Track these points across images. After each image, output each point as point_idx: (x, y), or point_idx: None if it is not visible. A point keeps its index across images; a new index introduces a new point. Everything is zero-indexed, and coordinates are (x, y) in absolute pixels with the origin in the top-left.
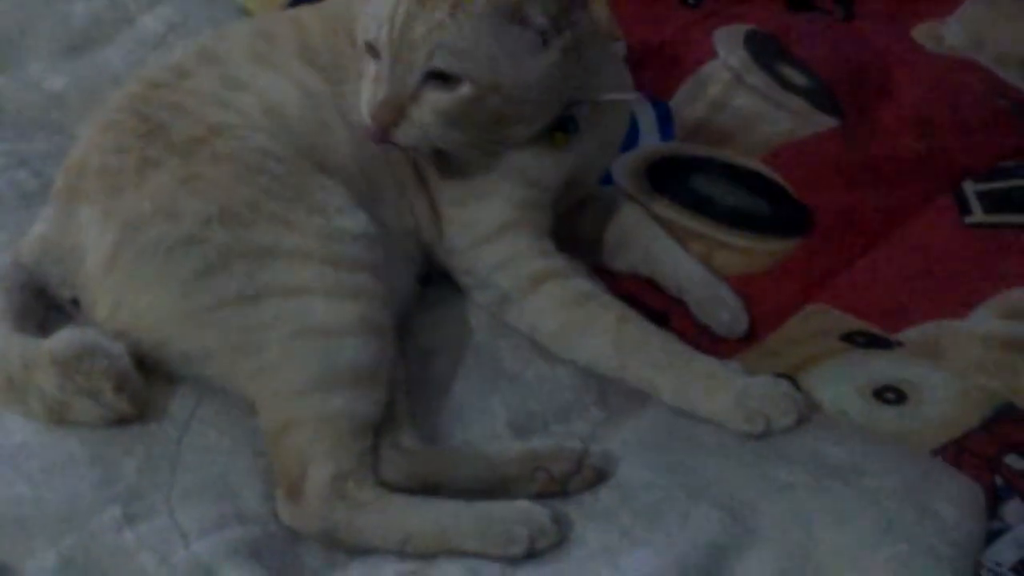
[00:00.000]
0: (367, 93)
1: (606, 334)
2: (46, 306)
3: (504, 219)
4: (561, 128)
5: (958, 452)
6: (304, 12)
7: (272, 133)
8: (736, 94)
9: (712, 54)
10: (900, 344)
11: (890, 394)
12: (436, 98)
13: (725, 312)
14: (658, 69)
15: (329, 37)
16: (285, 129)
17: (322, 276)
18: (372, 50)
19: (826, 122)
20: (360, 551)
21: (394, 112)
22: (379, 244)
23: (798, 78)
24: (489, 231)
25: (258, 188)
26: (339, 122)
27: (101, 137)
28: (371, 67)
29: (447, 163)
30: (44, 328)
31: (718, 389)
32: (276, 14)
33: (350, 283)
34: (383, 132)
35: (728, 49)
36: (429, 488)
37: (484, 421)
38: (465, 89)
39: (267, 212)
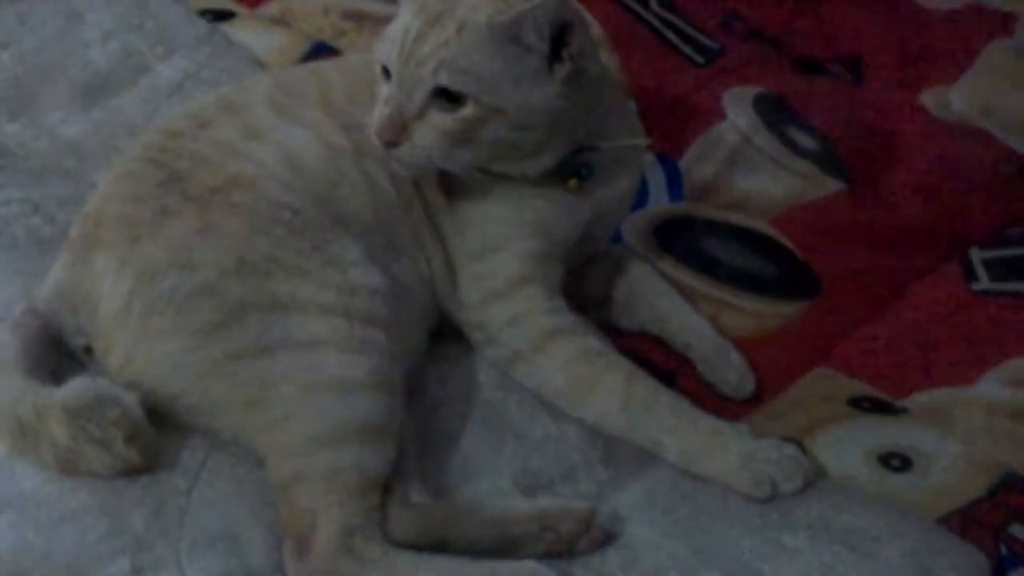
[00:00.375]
0: (375, 113)
1: (614, 393)
2: (60, 354)
3: (517, 274)
4: (575, 174)
5: (963, 520)
6: (325, 67)
7: (290, 185)
8: (744, 156)
9: (721, 115)
10: (906, 410)
11: (896, 461)
12: (440, 118)
13: (732, 372)
14: (667, 129)
15: (351, 93)
16: (303, 181)
17: (336, 329)
18: (385, 72)
19: (833, 186)
20: None
21: (398, 130)
22: (392, 299)
23: (806, 141)
24: (501, 286)
25: (275, 239)
26: (359, 177)
27: (118, 186)
28: (383, 89)
29: (463, 216)
30: (57, 376)
31: (725, 451)
32: (297, 68)
33: (363, 337)
34: (387, 152)
35: (737, 111)
36: (437, 544)
37: (490, 477)
38: (468, 109)
39: (283, 264)
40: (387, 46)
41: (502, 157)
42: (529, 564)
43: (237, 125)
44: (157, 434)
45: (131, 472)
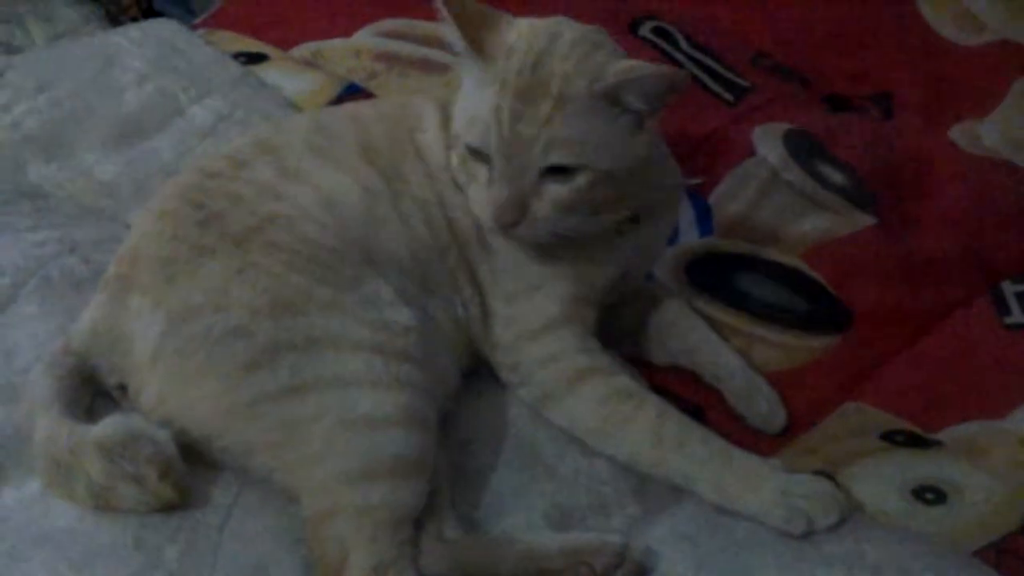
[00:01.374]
0: (481, 196)
1: (645, 430)
2: (94, 392)
3: (552, 315)
4: (634, 219)
5: (998, 554)
6: (362, 110)
7: (325, 225)
8: (775, 191)
9: (751, 151)
10: (939, 443)
11: (929, 494)
12: (555, 191)
13: (763, 404)
14: (697, 165)
15: (388, 138)
16: (340, 222)
17: (370, 366)
18: (478, 154)
19: (864, 220)
20: None
21: (517, 211)
22: (426, 337)
23: (836, 176)
24: (536, 326)
25: (311, 277)
26: (395, 220)
27: (155, 225)
28: (480, 170)
29: (502, 259)
30: (92, 414)
31: (759, 487)
32: (334, 110)
33: (397, 374)
34: (505, 231)
35: (767, 147)
36: None
37: (521, 512)
38: (581, 178)
39: (319, 301)
40: (477, 129)
41: (606, 210)
42: None
43: (274, 166)
44: (189, 470)
45: (164, 508)
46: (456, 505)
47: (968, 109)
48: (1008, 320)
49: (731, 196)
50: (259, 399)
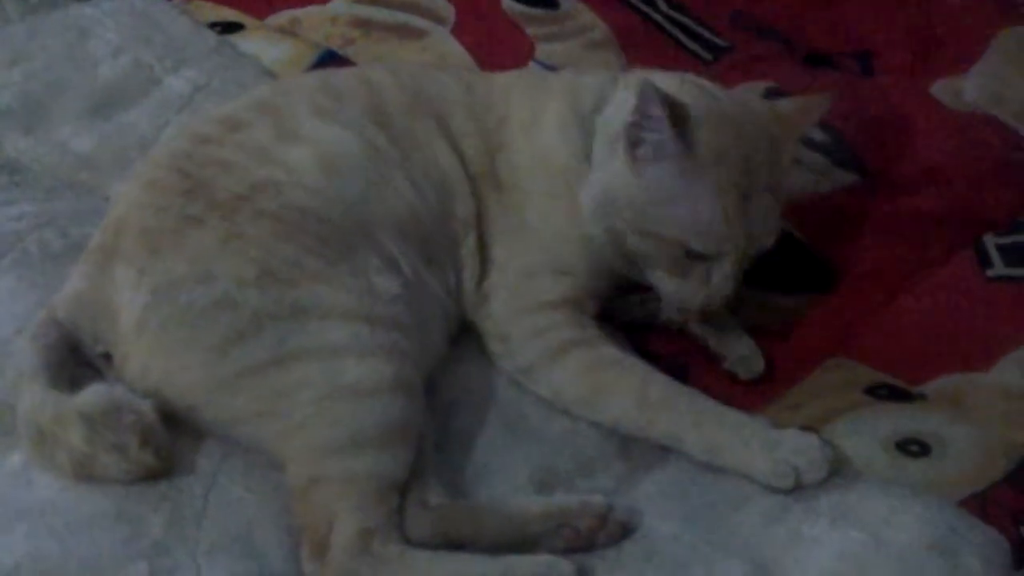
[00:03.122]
0: (694, 290)
1: (631, 394)
2: (78, 362)
3: (559, 296)
4: None
5: (982, 504)
6: (377, 75)
7: (318, 190)
8: None
9: None
10: (923, 397)
11: (914, 446)
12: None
13: (744, 347)
14: None
15: (406, 111)
16: (338, 183)
17: (357, 335)
18: (694, 255)
19: (846, 178)
20: None
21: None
22: (416, 305)
23: (817, 134)
24: (539, 302)
25: (300, 246)
26: (404, 183)
27: (141, 195)
28: (695, 267)
29: (528, 234)
30: (76, 384)
31: (748, 443)
32: (347, 72)
33: (385, 342)
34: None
35: None
36: (455, 544)
37: (507, 475)
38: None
39: (308, 270)
40: (707, 237)
41: None
42: (545, 558)
43: (272, 126)
44: (173, 439)
45: (147, 477)
46: (440, 470)
47: (949, 64)
48: (991, 273)
49: None
50: (244, 371)
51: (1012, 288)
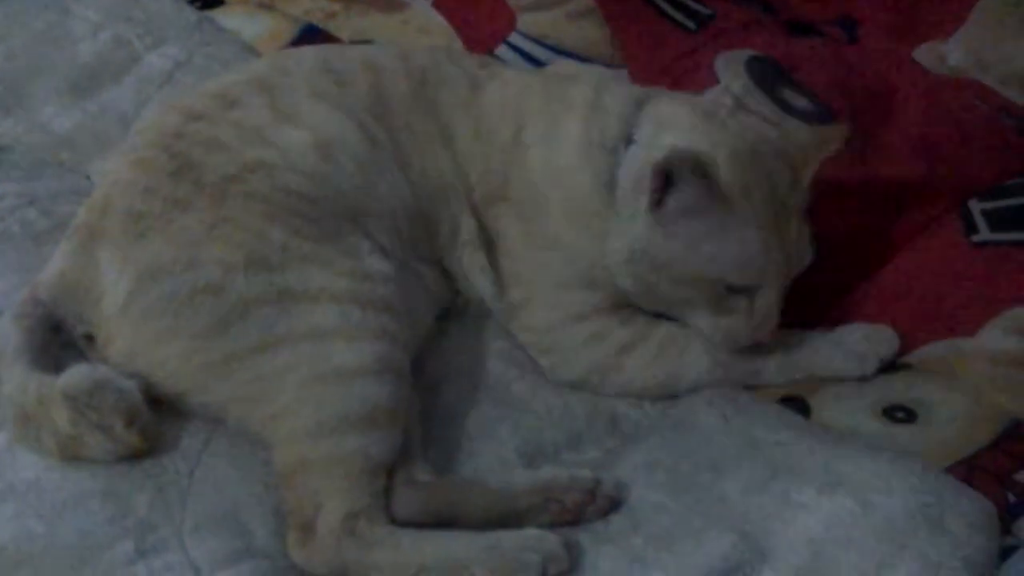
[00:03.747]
0: (734, 327)
1: (703, 358)
2: (62, 342)
3: (598, 303)
4: None
5: (969, 470)
6: (382, 61)
7: (311, 174)
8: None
9: (714, 80)
10: (909, 365)
11: (900, 413)
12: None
13: None
14: None
15: (409, 106)
16: (332, 169)
17: (346, 317)
18: (736, 288)
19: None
20: None
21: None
22: (405, 288)
23: (801, 102)
24: (578, 313)
25: (289, 229)
26: (399, 179)
27: (128, 174)
28: (738, 301)
29: (549, 254)
30: (58, 364)
31: (821, 348)
32: (348, 51)
33: (374, 324)
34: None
35: (730, 75)
36: (443, 521)
37: (494, 449)
38: None
39: (297, 254)
40: (749, 271)
41: None
42: (532, 532)
43: (269, 107)
44: (157, 418)
45: (132, 456)
46: (427, 445)
47: (933, 29)
48: (976, 238)
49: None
50: (230, 357)
51: (998, 253)
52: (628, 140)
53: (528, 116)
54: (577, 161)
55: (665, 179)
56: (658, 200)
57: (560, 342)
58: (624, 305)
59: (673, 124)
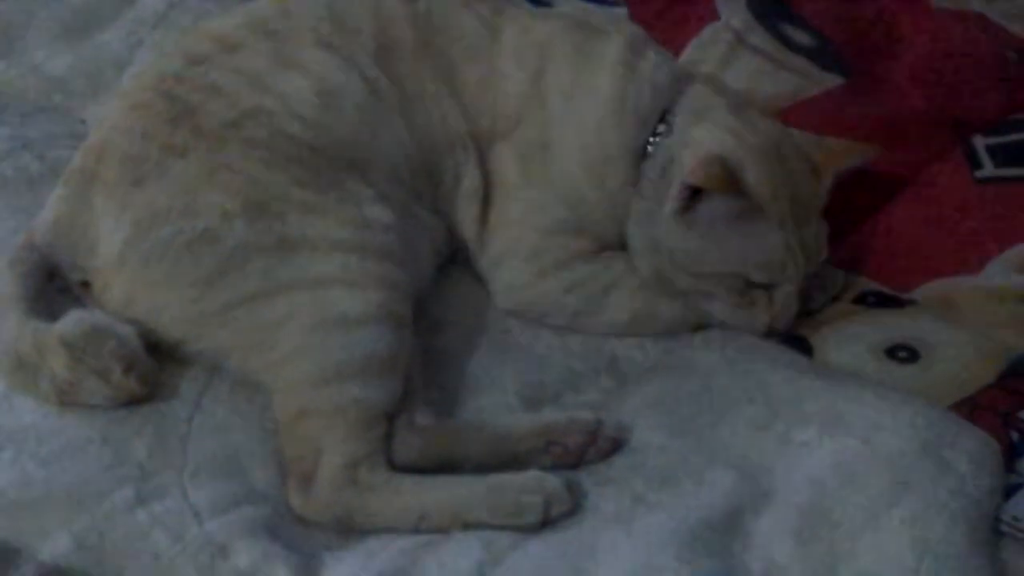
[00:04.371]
0: (753, 318)
1: (675, 299)
2: (57, 289)
3: (585, 247)
4: None
5: (972, 408)
6: (390, 5)
7: (312, 122)
8: (740, 56)
9: (715, 16)
10: (913, 302)
11: (903, 352)
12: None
13: None
14: (660, 33)
15: (415, 53)
16: (332, 118)
17: (347, 265)
18: (756, 284)
19: (832, 81)
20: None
21: None
22: (407, 236)
23: (802, 37)
24: (561, 259)
25: (289, 177)
26: (400, 129)
27: (126, 119)
28: (759, 295)
29: (550, 198)
30: (55, 310)
31: None
32: None
33: (375, 272)
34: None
35: (730, 11)
36: (444, 466)
37: (494, 392)
38: None
39: (296, 201)
40: (772, 269)
41: None
42: (534, 473)
43: (270, 52)
44: (156, 363)
45: (131, 402)
46: (427, 390)
47: None
48: (980, 174)
49: (695, 63)
50: (229, 305)
51: (1002, 189)
52: (661, 116)
53: (551, 62)
54: (607, 118)
55: (695, 190)
56: (687, 207)
57: (543, 295)
58: (605, 248)
59: (707, 119)
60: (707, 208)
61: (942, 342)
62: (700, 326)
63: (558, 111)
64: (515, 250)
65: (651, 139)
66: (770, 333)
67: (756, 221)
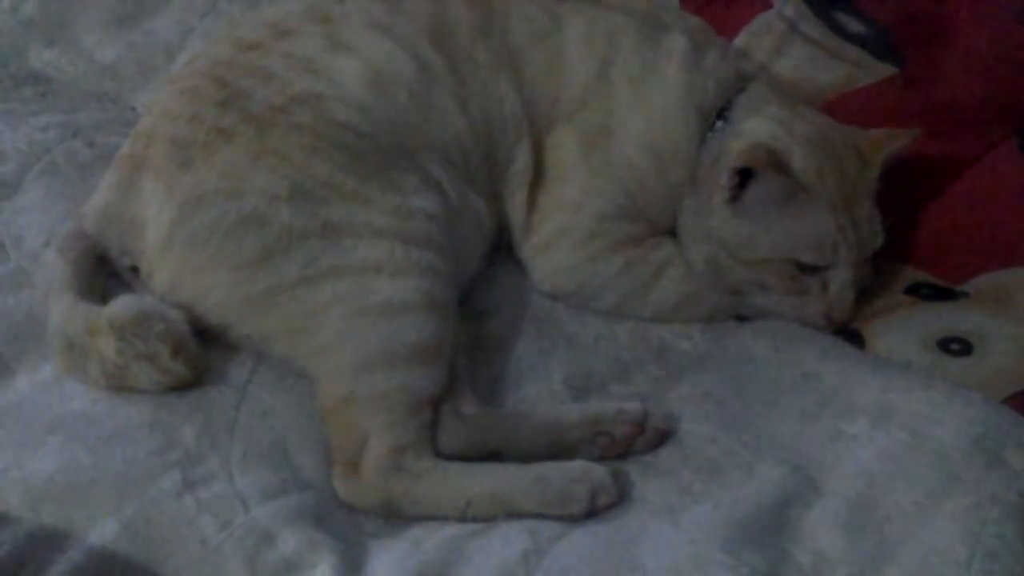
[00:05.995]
0: (809, 306)
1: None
2: (108, 273)
3: (637, 234)
4: None
5: None
6: None
7: (361, 106)
8: (791, 44)
9: (767, 4)
10: (966, 295)
11: (955, 345)
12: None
13: None
14: (712, 22)
15: (473, 36)
16: (382, 101)
17: (391, 253)
18: (808, 268)
19: (885, 70)
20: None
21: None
22: (454, 224)
23: (855, 25)
24: (611, 244)
25: (335, 164)
26: (455, 112)
27: (175, 104)
28: (812, 282)
29: (609, 182)
30: (105, 295)
31: None
32: None
33: (418, 260)
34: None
35: None
36: (490, 454)
37: (540, 381)
38: None
39: (341, 188)
40: (822, 251)
41: None
42: (580, 463)
43: (323, 36)
44: (204, 349)
45: (179, 387)
46: (474, 378)
47: None
48: None
49: (747, 51)
50: (274, 289)
51: None
52: (720, 113)
53: (619, 53)
54: (676, 111)
55: (742, 175)
56: (735, 196)
57: (593, 277)
58: (656, 235)
59: (758, 112)
60: (755, 192)
61: (995, 335)
62: (740, 316)
63: (625, 99)
64: (569, 233)
65: (708, 133)
66: (831, 325)
67: (804, 202)
